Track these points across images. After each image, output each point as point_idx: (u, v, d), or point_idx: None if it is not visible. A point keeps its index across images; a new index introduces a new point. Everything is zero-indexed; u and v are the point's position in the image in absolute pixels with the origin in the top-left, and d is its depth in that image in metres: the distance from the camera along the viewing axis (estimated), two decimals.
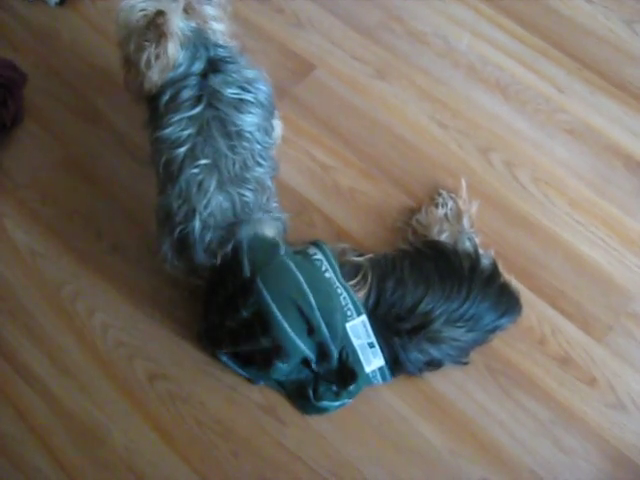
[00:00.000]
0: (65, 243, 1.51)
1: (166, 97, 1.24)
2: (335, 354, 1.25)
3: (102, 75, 1.73)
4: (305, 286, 1.21)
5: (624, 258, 1.49)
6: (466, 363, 1.33)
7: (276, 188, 1.36)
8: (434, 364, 1.30)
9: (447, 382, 1.35)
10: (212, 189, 1.21)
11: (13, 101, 1.62)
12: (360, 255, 1.35)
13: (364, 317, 1.26)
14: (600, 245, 1.50)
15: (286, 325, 1.20)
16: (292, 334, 1.20)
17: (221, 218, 1.24)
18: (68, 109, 1.69)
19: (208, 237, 1.24)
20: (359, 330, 1.26)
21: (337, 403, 1.31)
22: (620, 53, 1.78)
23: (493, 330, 1.32)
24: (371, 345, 1.27)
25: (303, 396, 1.31)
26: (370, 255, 1.35)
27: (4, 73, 1.63)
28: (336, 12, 1.84)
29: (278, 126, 1.52)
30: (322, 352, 1.26)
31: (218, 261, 1.25)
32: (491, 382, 1.35)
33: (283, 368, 1.27)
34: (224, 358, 1.33)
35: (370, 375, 1.29)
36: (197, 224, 1.22)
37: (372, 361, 1.28)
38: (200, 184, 1.21)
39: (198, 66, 1.24)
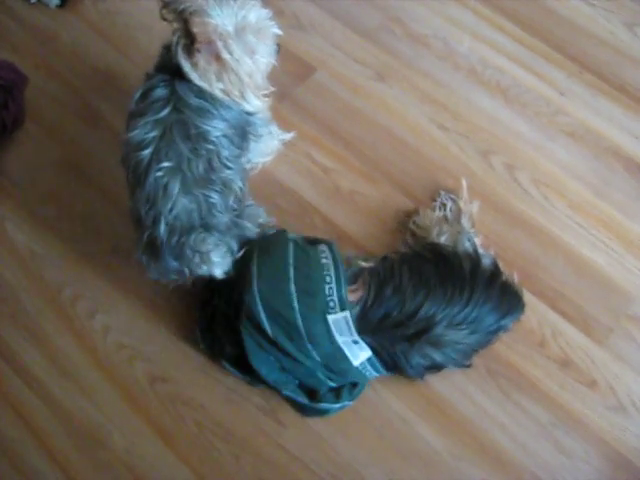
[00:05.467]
0: (65, 245, 1.51)
1: (137, 95, 1.24)
2: (307, 342, 1.24)
3: (102, 77, 1.73)
4: (290, 258, 1.25)
5: (624, 260, 1.49)
6: (469, 366, 1.32)
7: (249, 189, 1.38)
8: (435, 368, 1.30)
9: (448, 384, 1.35)
10: (176, 192, 1.20)
11: (14, 103, 1.62)
12: (365, 260, 1.34)
13: (347, 313, 1.24)
14: (600, 247, 1.50)
15: (255, 284, 1.23)
16: (257, 296, 1.22)
17: (187, 221, 1.23)
18: (68, 111, 1.69)
19: (174, 240, 1.23)
20: (341, 325, 1.24)
21: (338, 405, 1.30)
22: (620, 56, 1.78)
23: (496, 331, 1.31)
24: (355, 342, 1.25)
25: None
26: (373, 262, 1.34)
27: (5, 75, 1.63)
28: (337, 14, 1.84)
29: (274, 145, 1.55)
30: (289, 335, 1.24)
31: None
32: (492, 384, 1.35)
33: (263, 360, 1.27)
34: (225, 364, 1.33)
35: (360, 367, 1.27)
36: (162, 228, 1.22)
37: (359, 355, 1.25)
38: (165, 187, 1.20)
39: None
